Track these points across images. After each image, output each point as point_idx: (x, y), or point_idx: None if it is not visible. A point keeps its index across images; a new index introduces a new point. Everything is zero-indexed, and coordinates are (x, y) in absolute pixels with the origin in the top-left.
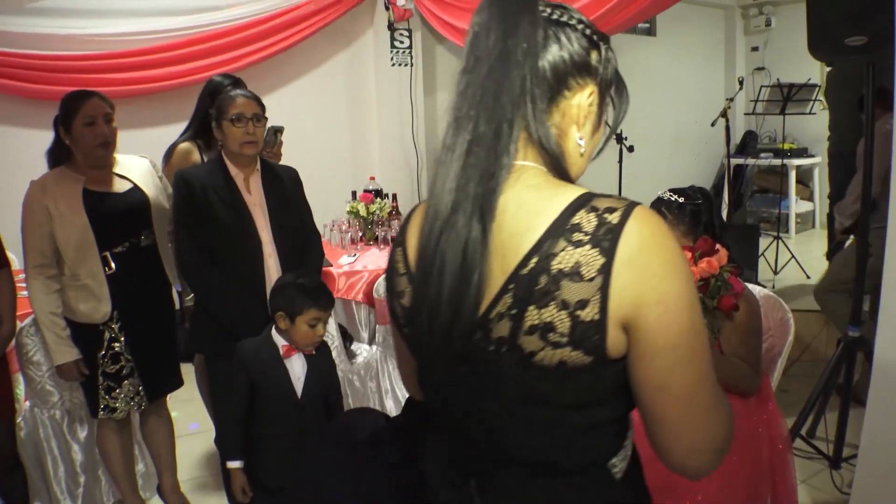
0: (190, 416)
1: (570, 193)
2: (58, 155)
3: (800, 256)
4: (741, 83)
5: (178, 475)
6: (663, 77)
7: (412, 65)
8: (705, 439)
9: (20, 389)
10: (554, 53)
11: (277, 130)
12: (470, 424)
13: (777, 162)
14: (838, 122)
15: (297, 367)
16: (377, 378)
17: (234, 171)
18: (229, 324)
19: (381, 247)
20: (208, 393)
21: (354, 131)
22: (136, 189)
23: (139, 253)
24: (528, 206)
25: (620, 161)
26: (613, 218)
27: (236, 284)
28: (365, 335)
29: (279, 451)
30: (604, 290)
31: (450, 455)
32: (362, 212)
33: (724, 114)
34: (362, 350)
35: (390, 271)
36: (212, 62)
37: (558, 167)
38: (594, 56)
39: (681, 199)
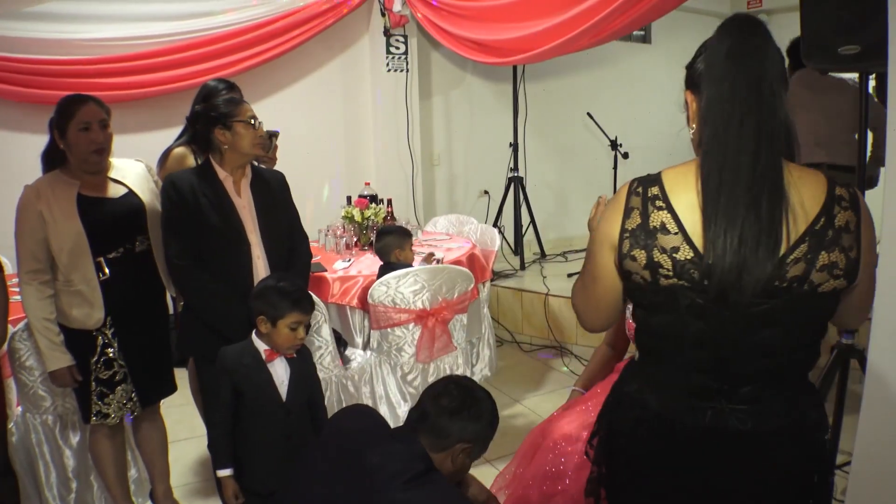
0: (183, 421)
1: (819, 174)
2: (53, 158)
3: None
4: None
5: (171, 481)
6: (658, 84)
7: (408, 70)
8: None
9: (12, 395)
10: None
11: (272, 134)
12: (728, 354)
13: None
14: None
15: (279, 371)
16: (371, 383)
17: (223, 174)
18: (219, 326)
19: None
20: (200, 397)
21: (350, 137)
22: (130, 194)
23: (133, 259)
24: (799, 182)
25: (615, 167)
26: (852, 192)
27: (225, 287)
28: (359, 340)
29: (268, 455)
30: (857, 238)
31: (688, 388)
32: (357, 217)
33: None
34: (356, 355)
35: (646, 231)
36: (207, 67)
37: (790, 156)
38: None
39: None
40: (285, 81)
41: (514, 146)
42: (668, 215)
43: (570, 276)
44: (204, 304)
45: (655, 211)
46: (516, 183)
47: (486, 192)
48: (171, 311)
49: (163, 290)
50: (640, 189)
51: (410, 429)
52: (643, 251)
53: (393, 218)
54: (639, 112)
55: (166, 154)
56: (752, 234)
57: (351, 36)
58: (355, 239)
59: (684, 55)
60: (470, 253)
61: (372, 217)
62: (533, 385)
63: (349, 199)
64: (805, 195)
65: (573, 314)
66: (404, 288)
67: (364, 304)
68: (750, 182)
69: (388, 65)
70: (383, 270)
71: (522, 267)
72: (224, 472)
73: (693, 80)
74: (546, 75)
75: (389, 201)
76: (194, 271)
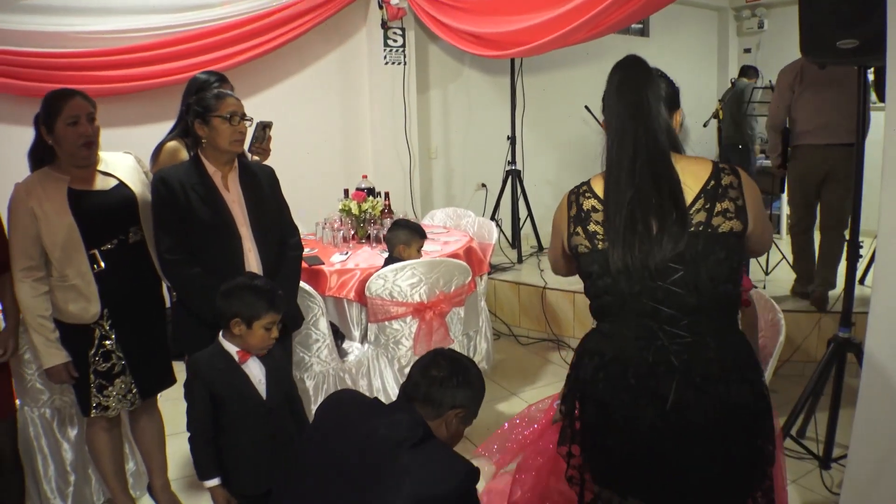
0: (181, 414)
1: (705, 159)
2: (40, 156)
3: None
4: (733, 84)
5: (169, 474)
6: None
7: (405, 63)
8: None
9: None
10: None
11: (266, 125)
12: (659, 297)
13: (767, 163)
14: None
15: (255, 371)
16: (368, 376)
17: (211, 169)
18: (212, 320)
19: (373, 245)
20: None
21: (347, 130)
22: (121, 185)
23: (128, 250)
24: (685, 164)
25: None
26: (732, 166)
27: (217, 281)
28: (356, 333)
29: (255, 457)
30: (741, 192)
31: (635, 333)
32: (354, 210)
33: (715, 115)
34: (354, 348)
35: (583, 213)
36: (203, 60)
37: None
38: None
39: None
40: (282, 74)
41: (512, 139)
42: (595, 201)
43: None
44: (197, 298)
45: (586, 200)
46: (514, 176)
47: (483, 186)
48: (167, 303)
49: (159, 282)
50: (574, 192)
51: (406, 399)
52: (582, 227)
53: (391, 211)
54: None
55: (159, 148)
56: (640, 206)
57: (348, 28)
58: (352, 232)
59: (682, 48)
60: (467, 246)
61: (369, 210)
62: (530, 378)
63: (346, 191)
64: (694, 170)
65: (571, 307)
66: (402, 281)
67: (361, 298)
68: (632, 173)
69: (385, 58)
70: (387, 264)
71: (520, 260)
72: (211, 483)
73: (603, 108)
74: (544, 69)
75: (387, 194)
76: (186, 266)
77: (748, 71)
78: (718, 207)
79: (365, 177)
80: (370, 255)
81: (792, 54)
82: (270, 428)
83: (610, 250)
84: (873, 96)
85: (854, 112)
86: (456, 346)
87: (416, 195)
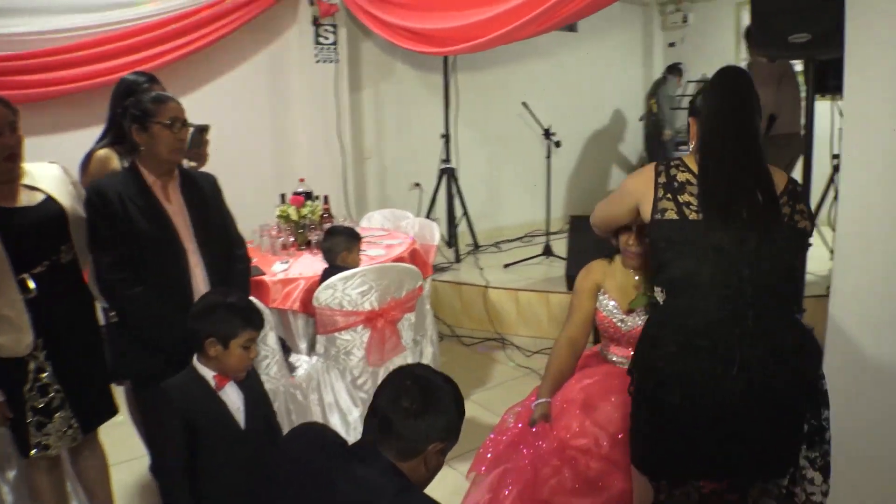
0: (121, 442)
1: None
2: None
3: None
4: (665, 79)
5: None
6: (586, 72)
7: (337, 62)
8: None
9: None
10: None
11: (202, 129)
12: (745, 272)
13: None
14: None
15: (233, 398)
16: (319, 390)
17: (150, 179)
18: (161, 343)
19: (315, 252)
20: (141, 420)
21: (279, 131)
22: (49, 200)
23: (60, 271)
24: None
25: (549, 157)
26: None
27: (163, 299)
28: (303, 346)
29: (231, 487)
30: (808, 203)
31: (720, 306)
32: (293, 216)
33: (650, 109)
34: (302, 362)
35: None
36: (126, 61)
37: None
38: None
39: None
40: (210, 75)
41: (446, 137)
42: (689, 175)
43: (506, 266)
44: (141, 320)
45: (680, 173)
46: (449, 174)
47: (417, 185)
48: (101, 322)
49: (93, 302)
50: (663, 163)
51: (372, 441)
52: (672, 194)
53: (330, 216)
54: (567, 101)
55: (88, 157)
56: (742, 191)
57: (278, 26)
58: (292, 239)
59: (609, 43)
60: (411, 248)
61: (309, 215)
62: (479, 379)
63: (283, 196)
64: (775, 172)
65: (514, 305)
66: (351, 290)
67: (307, 308)
68: (736, 162)
69: (317, 56)
70: (327, 274)
71: (457, 259)
72: None
73: (695, 109)
74: (476, 66)
75: (326, 198)
76: (128, 286)
77: (673, 69)
78: (797, 207)
79: (302, 180)
80: (312, 263)
81: (716, 48)
82: (249, 459)
83: (704, 225)
84: None
85: (793, 104)
86: (408, 354)
87: (351, 197)
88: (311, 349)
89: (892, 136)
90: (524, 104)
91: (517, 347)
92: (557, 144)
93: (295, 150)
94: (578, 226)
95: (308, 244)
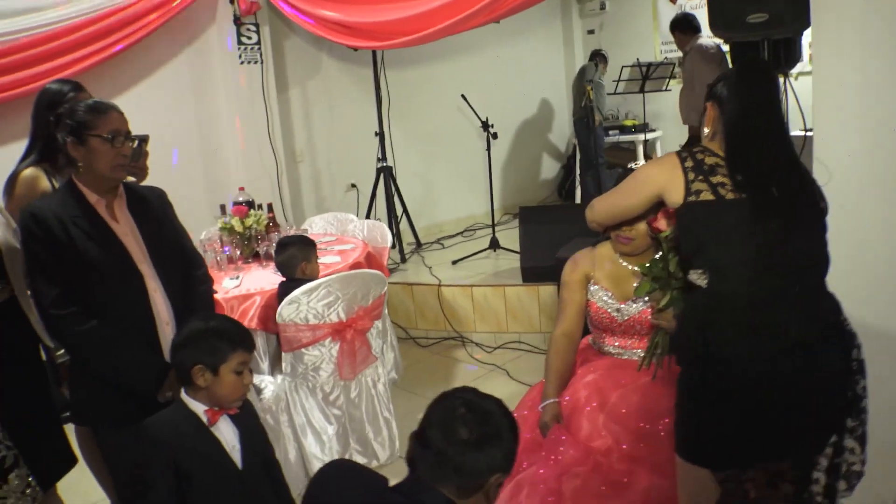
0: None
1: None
2: None
3: None
4: (596, 66)
5: None
6: (510, 63)
7: (262, 62)
8: None
9: None
10: None
11: (142, 140)
12: (790, 250)
13: (627, 138)
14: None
15: (227, 435)
16: (289, 411)
17: (93, 197)
18: (124, 381)
19: (265, 264)
20: (99, 467)
21: (207, 139)
22: None
23: None
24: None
25: (489, 149)
26: None
27: (123, 332)
28: (264, 366)
29: None
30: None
31: (769, 285)
32: (237, 227)
33: (587, 95)
34: (266, 382)
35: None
36: (39, 71)
37: None
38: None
39: None
40: (128, 81)
41: (381, 135)
42: (717, 159)
43: (454, 262)
44: (102, 358)
45: (707, 157)
46: (386, 173)
47: (353, 186)
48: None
49: (37, 344)
50: (684, 150)
51: (425, 478)
52: (704, 176)
53: (276, 224)
54: (494, 92)
55: (12, 179)
56: (783, 173)
57: (197, 27)
58: (238, 252)
59: (529, 30)
60: (366, 253)
61: (254, 225)
62: (443, 381)
63: (223, 207)
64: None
65: (469, 302)
66: (316, 302)
67: (265, 325)
68: (772, 144)
69: (241, 57)
70: (286, 288)
71: (403, 259)
72: None
73: (716, 96)
74: (405, 61)
75: (269, 206)
76: (79, 321)
77: (598, 56)
78: (818, 193)
79: (242, 188)
80: (264, 276)
81: (633, 34)
82: (246, 501)
83: (747, 204)
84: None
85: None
86: (378, 363)
87: (287, 202)
88: (275, 368)
89: (862, 107)
90: (463, 96)
91: (476, 344)
92: (494, 136)
93: (226, 157)
94: (529, 217)
95: (256, 256)
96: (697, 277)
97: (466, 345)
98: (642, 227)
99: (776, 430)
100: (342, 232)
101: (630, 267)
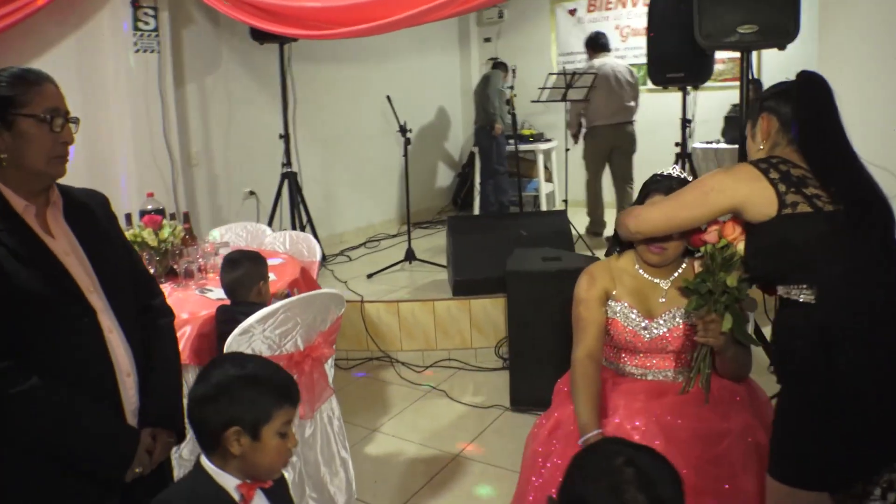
0: None
1: None
2: None
3: None
4: (514, 72)
5: None
6: (406, 67)
7: (159, 51)
8: None
9: None
10: None
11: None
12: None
13: (524, 147)
14: None
15: None
16: None
17: (19, 203)
18: (79, 460)
19: (185, 283)
20: None
21: (94, 138)
22: None
23: None
24: None
25: (406, 154)
26: None
27: (75, 391)
28: None
29: None
30: None
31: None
32: (150, 240)
33: (509, 102)
34: None
35: (794, 177)
36: None
37: None
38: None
39: (683, 174)
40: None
41: (286, 138)
42: (803, 171)
43: (370, 276)
44: (46, 431)
45: (792, 168)
46: (290, 179)
47: (251, 193)
48: None
49: None
50: (763, 162)
51: None
52: (796, 188)
53: (192, 236)
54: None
55: None
56: (869, 186)
57: (87, 7)
58: (153, 269)
59: (427, 37)
60: (300, 268)
61: (171, 238)
62: (379, 406)
63: (129, 217)
64: None
65: (395, 319)
66: (272, 330)
67: (200, 359)
68: (853, 156)
69: (136, 44)
70: (228, 313)
71: None
72: None
73: (772, 109)
74: (313, 60)
75: (186, 215)
76: (13, 378)
77: (500, 65)
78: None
79: (151, 195)
80: (188, 298)
81: (531, 43)
82: None
83: (847, 217)
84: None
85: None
86: (332, 397)
87: (182, 209)
88: None
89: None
90: (388, 98)
91: (403, 364)
92: (408, 141)
93: (116, 159)
94: (458, 228)
95: (171, 274)
96: (799, 293)
97: (394, 364)
98: (674, 236)
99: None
100: (258, 245)
101: (654, 280)
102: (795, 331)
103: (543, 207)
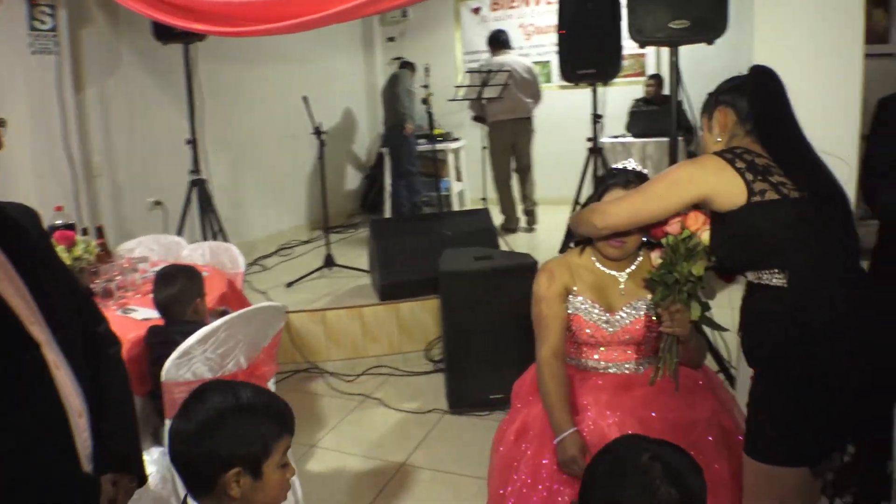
0: None
1: None
2: None
3: None
4: (427, 71)
5: None
6: (311, 67)
7: (58, 53)
8: None
9: None
10: None
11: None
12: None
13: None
14: None
15: None
16: (176, 492)
17: None
18: None
19: (105, 302)
20: None
21: None
22: None
23: None
24: None
25: (321, 158)
26: None
27: (24, 438)
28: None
29: None
30: None
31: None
32: (64, 258)
33: (426, 101)
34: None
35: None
36: None
37: None
38: None
39: (638, 167)
40: None
41: (193, 143)
42: (767, 160)
43: (289, 285)
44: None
45: (756, 158)
46: (199, 186)
47: (158, 203)
48: None
49: None
50: (727, 152)
51: None
52: (763, 176)
53: (108, 252)
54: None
55: None
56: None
57: None
58: None
59: (329, 36)
60: (227, 281)
61: (85, 255)
62: (314, 420)
63: None
64: None
65: (321, 328)
66: (213, 351)
67: (136, 386)
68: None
69: (31, 45)
70: (161, 334)
71: None
72: None
73: (728, 103)
74: (217, 62)
75: (100, 230)
76: None
77: (406, 64)
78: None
79: (60, 208)
80: (111, 320)
81: (436, 42)
82: None
83: (811, 202)
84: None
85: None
86: None
87: (87, 224)
88: (156, 440)
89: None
90: (304, 99)
91: (332, 374)
92: (322, 143)
93: (13, 170)
94: (381, 230)
95: (90, 294)
96: (771, 277)
97: (323, 375)
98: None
99: (858, 413)
100: (175, 258)
101: (612, 273)
102: (768, 314)
103: (455, 207)
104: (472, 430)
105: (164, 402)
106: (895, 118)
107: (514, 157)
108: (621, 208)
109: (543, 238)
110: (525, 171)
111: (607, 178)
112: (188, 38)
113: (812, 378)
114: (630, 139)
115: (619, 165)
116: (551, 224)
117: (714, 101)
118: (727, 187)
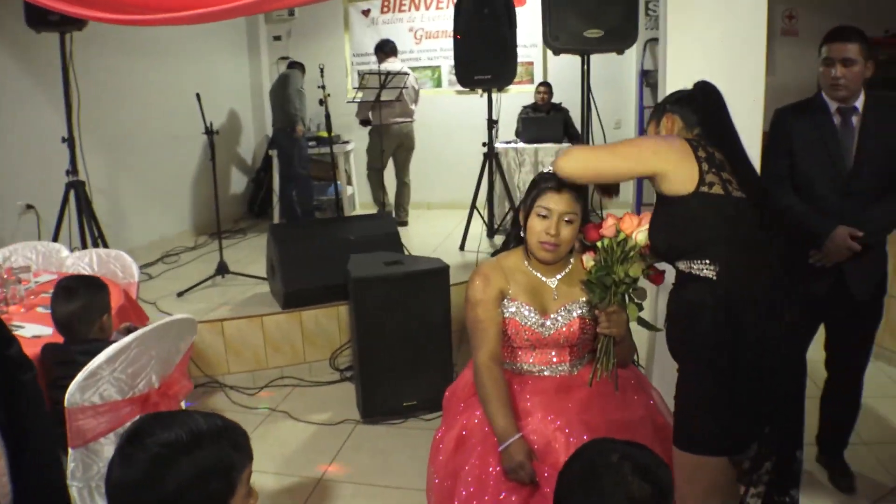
0: None
1: None
2: None
3: None
4: (322, 71)
5: None
6: (194, 65)
7: None
8: None
9: None
10: None
11: None
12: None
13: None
14: None
15: None
16: None
17: None
18: None
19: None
20: None
21: None
22: None
23: None
24: None
25: (213, 158)
26: None
27: None
28: None
29: None
30: None
31: (753, 263)
32: None
33: (322, 103)
34: None
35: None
36: None
37: None
38: None
39: None
40: None
41: (70, 142)
42: (722, 156)
43: (180, 294)
44: None
45: (716, 151)
46: (77, 189)
47: (30, 207)
48: None
49: None
50: (694, 140)
51: None
52: (716, 171)
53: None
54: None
55: None
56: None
57: None
58: None
59: (214, 36)
60: (123, 292)
61: None
62: None
63: None
64: None
65: (219, 340)
66: (122, 371)
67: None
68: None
69: None
70: (60, 353)
71: None
72: None
73: (675, 111)
74: (95, 57)
75: None
76: None
77: (296, 64)
78: None
79: None
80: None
81: (324, 42)
82: None
83: (748, 202)
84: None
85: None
86: None
87: None
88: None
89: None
90: (197, 95)
91: (233, 388)
92: (212, 144)
93: None
94: (282, 236)
95: None
96: (702, 268)
97: (223, 389)
98: (566, 233)
99: (780, 399)
100: (58, 267)
101: (543, 278)
102: (699, 304)
103: (346, 211)
104: (388, 438)
105: (67, 429)
106: (787, 128)
107: (394, 167)
108: (586, 155)
109: (440, 241)
110: (402, 175)
111: (539, 181)
112: (64, 26)
113: (739, 368)
114: (521, 144)
115: (548, 170)
116: (448, 227)
117: (662, 108)
118: (683, 171)
